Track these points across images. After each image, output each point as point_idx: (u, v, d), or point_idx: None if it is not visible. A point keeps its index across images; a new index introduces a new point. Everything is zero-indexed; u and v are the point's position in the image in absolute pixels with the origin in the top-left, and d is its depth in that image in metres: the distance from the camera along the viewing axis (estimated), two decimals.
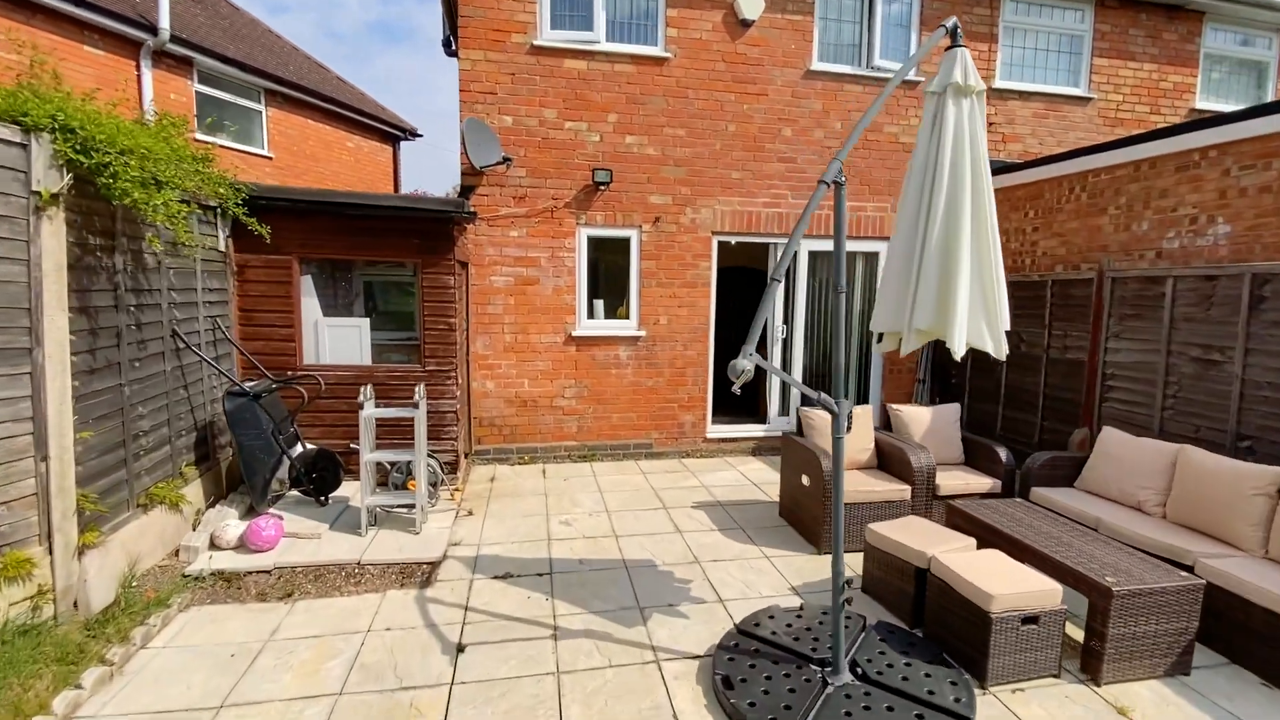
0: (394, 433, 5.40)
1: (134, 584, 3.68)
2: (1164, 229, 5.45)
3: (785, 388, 7.37)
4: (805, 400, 7.51)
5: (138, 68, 9.31)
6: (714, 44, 6.67)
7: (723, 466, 6.71)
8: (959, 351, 2.94)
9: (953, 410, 5.29)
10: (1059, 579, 3.23)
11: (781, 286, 7.15)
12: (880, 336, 3.40)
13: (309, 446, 5.02)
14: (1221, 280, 4.60)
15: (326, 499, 4.93)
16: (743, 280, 8.89)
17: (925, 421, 5.17)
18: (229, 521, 4.26)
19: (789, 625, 3.40)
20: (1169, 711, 2.89)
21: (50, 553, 3.17)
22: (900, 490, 4.56)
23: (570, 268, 6.62)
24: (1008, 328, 3.05)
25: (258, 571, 4.00)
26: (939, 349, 7.44)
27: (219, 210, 4.90)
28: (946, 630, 3.27)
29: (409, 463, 4.93)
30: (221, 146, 10.36)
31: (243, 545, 4.16)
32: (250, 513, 4.66)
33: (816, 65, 6.94)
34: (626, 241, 6.77)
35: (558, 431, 6.78)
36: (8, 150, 2.96)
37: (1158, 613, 3.05)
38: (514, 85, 6.33)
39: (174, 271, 4.30)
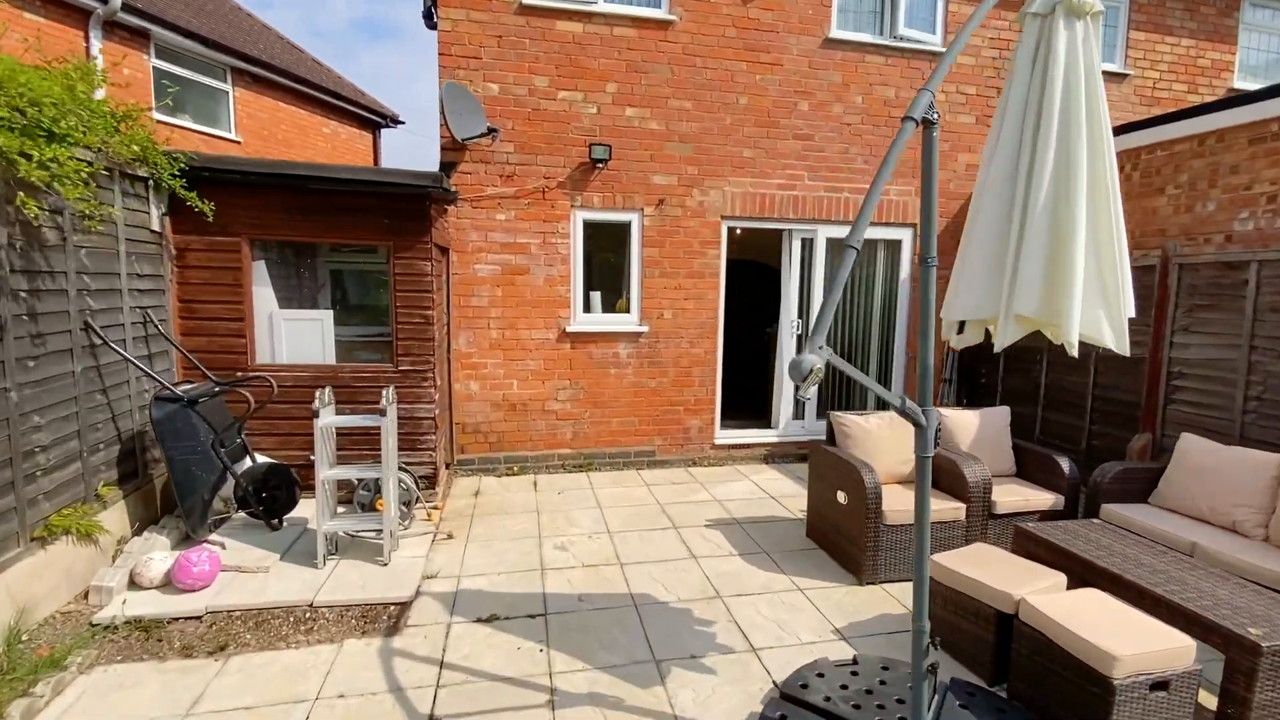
0: (360, 443, 4.67)
1: (24, 640, 2.94)
2: (1235, 209, 4.85)
3: (798, 388, 6.70)
4: (797, 405, 6.86)
5: (86, 38, 8.49)
6: (724, 6, 5.99)
7: (734, 476, 6.04)
8: (1072, 345, 2.29)
9: (1002, 415, 4.65)
10: (1183, 628, 2.58)
11: (795, 280, 6.52)
12: (961, 326, 2.73)
13: (259, 460, 4.28)
14: None
15: (280, 522, 4.20)
16: (751, 274, 8.23)
17: (972, 428, 4.53)
18: (155, 554, 3.52)
19: (844, 687, 2.73)
20: None
21: None
22: (954, 509, 3.91)
23: (564, 255, 5.92)
24: (1132, 314, 2.39)
25: (185, 617, 3.26)
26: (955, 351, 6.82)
27: (151, 182, 4.16)
28: (1044, 693, 2.62)
29: (377, 479, 4.21)
30: (182, 128, 9.55)
31: (170, 583, 3.43)
32: (186, 541, 3.92)
33: (835, 33, 6.28)
34: (627, 226, 6.08)
35: (550, 438, 6.08)
36: None
37: None
38: (500, 49, 5.62)
39: (86, 252, 3.55)
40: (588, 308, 6.09)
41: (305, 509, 4.40)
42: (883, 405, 6.90)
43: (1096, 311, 2.36)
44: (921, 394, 2.29)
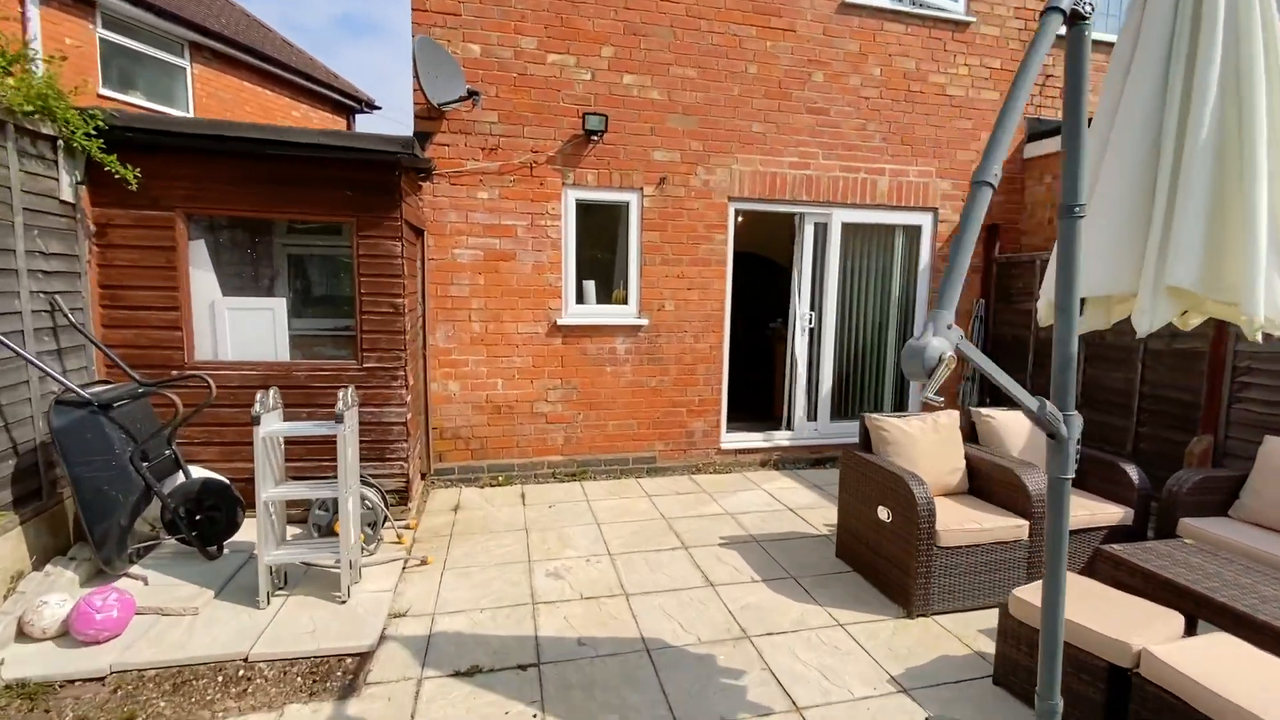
0: (318, 453, 4.01)
1: None
2: None
3: (810, 385, 6.15)
4: (810, 405, 6.30)
5: (22, 2, 7.68)
6: None
7: (744, 485, 5.45)
8: (1256, 326, 1.72)
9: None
10: None
11: (808, 269, 5.93)
12: (1083, 305, 2.15)
13: (195, 475, 3.60)
14: None
15: (219, 549, 3.53)
16: (750, 267, 7.66)
17: (1023, 430, 3.99)
18: (52, 596, 2.83)
19: None
20: None
21: None
22: (1015, 526, 3.35)
23: (555, 239, 5.29)
24: None
25: (84, 679, 2.59)
26: (993, 339, 6.32)
27: (61, 144, 3.46)
28: None
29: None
30: (133, 105, 8.75)
31: (69, 633, 2.75)
32: (100, 576, 3.24)
33: None
34: (624, 208, 5.46)
35: (540, 444, 5.44)
36: None
37: None
38: (482, 5, 4.97)
39: None
40: (581, 298, 5.46)
41: (252, 531, 3.72)
42: (899, 404, 6.37)
43: None
44: (1060, 393, 1.71)
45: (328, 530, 3.62)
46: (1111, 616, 2.43)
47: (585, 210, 5.43)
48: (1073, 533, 3.52)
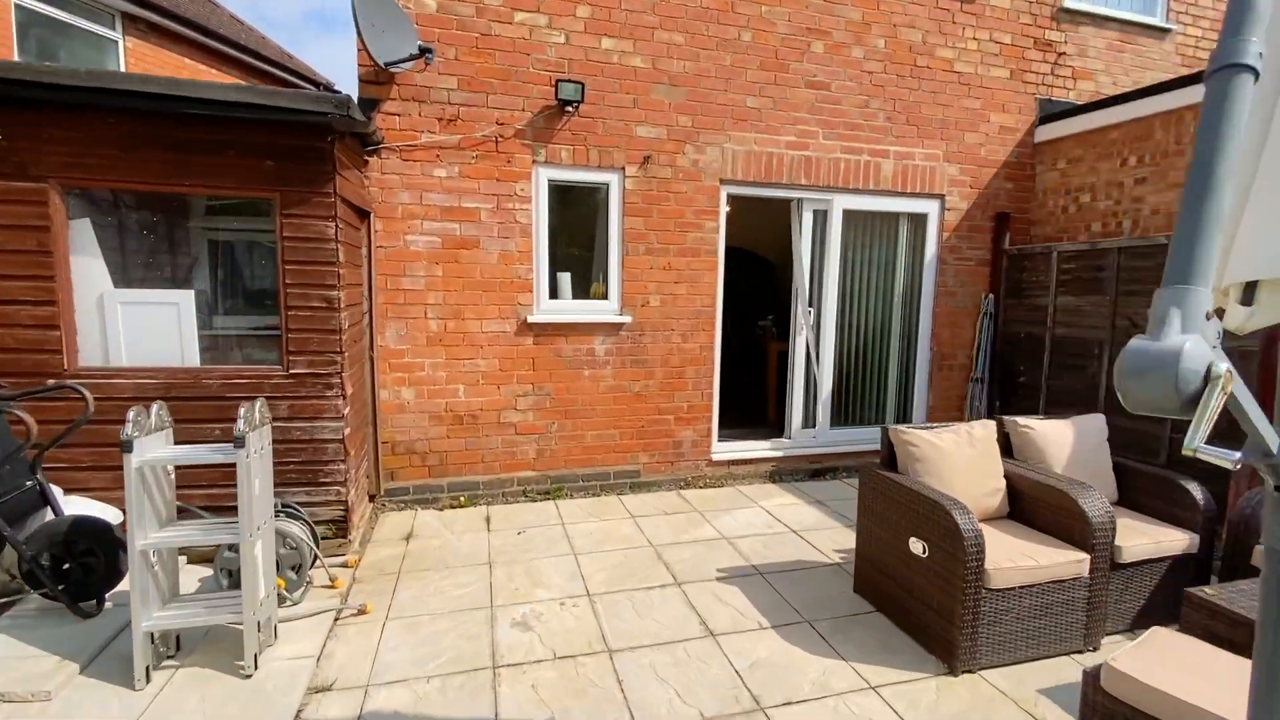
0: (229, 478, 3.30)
1: None
2: None
3: (809, 389, 5.59)
4: (807, 411, 5.75)
5: None
6: None
7: (739, 501, 4.86)
8: None
9: (1097, 426, 3.59)
10: None
11: (807, 260, 5.34)
12: (1247, 293, 1.58)
13: (67, 512, 2.88)
14: None
15: (99, 603, 2.82)
16: (738, 263, 7.09)
17: (1066, 443, 3.46)
18: None
19: None
20: None
21: None
22: (1074, 562, 2.81)
23: (524, 225, 4.64)
24: None
25: None
26: (1003, 336, 5.84)
27: None
28: None
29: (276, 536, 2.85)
30: None
31: None
32: None
33: None
34: (604, 190, 4.83)
35: (509, 459, 4.78)
36: None
37: None
38: None
39: None
40: (555, 293, 4.82)
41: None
42: (902, 410, 5.84)
43: None
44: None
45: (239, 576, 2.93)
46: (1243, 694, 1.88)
47: (559, 192, 4.79)
48: (1135, 565, 3.01)
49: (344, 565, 3.47)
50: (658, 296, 4.97)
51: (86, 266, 3.29)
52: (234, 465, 2.43)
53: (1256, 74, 0.80)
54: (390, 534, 4.10)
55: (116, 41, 8.84)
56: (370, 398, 4.35)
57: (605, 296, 4.91)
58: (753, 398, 7.10)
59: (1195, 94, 4.68)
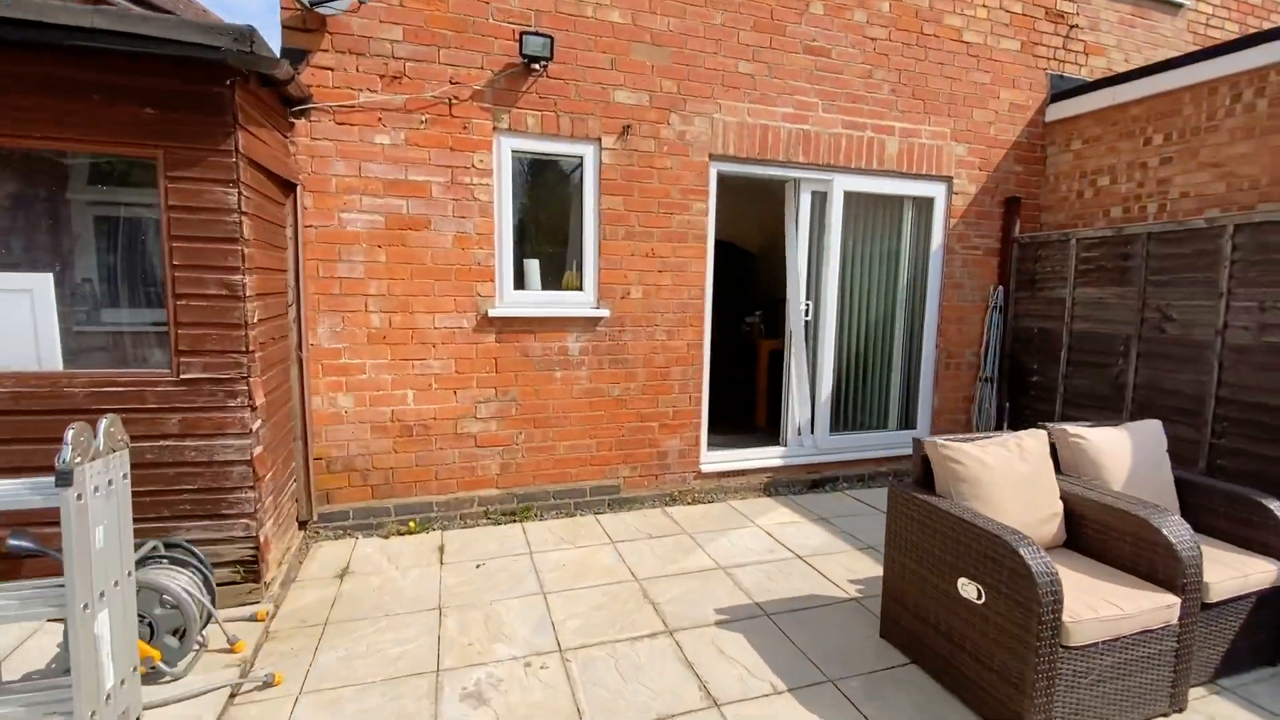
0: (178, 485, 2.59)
1: None
2: None
3: (810, 391, 5.03)
4: (791, 415, 5.21)
5: None
6: None
7: (733, 520, 4.28)
8: None
9: (1155, 434, 3.08)
10: None
11: (804, 248, 4.70)
12: None
13: None
14: None
15: None
16: (721, 255, 6.51)
17: (1124, 455, 2.94)
18: None
19: None
20: None
21: None
22: (1164, 606, 2.27)
23: (484, 203, 3.98)
24: None
25: None
26: (1013, 332, 5.37)
27: None
28: None
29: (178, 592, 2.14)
30: None
31: None
32: None
33: None
34: (577, 164, 4.20)
35: (467, 475, 4.12)
36: None
37: None
38: None
39: None
40: (521, 282, 4.17)
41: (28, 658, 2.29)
42: (906, 415, 5.32)
43: None
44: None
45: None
46: None
47: (526, 166, 4.14)
48: (1221, 604, 2.49)
49: (251, 619, 2.77)
50: (639, 287, 4.35)
51: None
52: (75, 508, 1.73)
53: None
54: (321, 570, 3.40)
55: None
56: (299, 406, 3.65)
57: (580, 287, 4.27)
58: (741, 401, 6.53)
59: (1229, 64, 4.24)
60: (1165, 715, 2.35)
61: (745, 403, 6.53)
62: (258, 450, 2.83)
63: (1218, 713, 2.38)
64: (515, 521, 4.13)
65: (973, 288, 5.38)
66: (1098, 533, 2.63)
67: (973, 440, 2.73)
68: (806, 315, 4.95)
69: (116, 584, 1.93)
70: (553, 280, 4.28)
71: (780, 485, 4.91)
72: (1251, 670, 2.64)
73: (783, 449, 4.98)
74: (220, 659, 2.51)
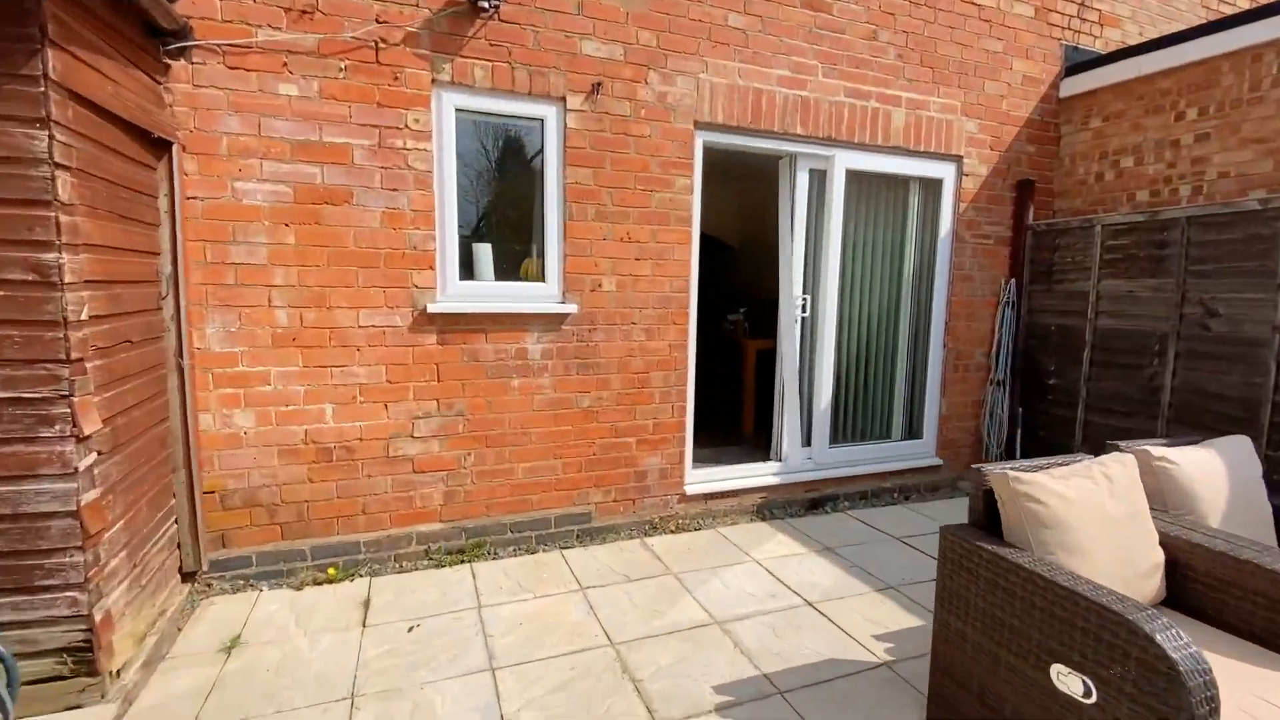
0: None
1: None
2: None
3: (804, 398, 4.41)
4: (786, 425, 4.61)
5: None
6: None
7: (724, 552, 3.62)
8: None
9: (1245, 454, 2.52)
10: None
11: (800, 233, 4.07)
12: None
13: None
14: None
15: None
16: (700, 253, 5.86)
17: (1218, 483, 2.36)
18: None
19: None
20: None
21: None
22: None
23: (422, 173, 3.23)
24: None
25: None
26: (1027, 329, 4.84)
27: None
28: None
29: None
30: None
31: None
32: None
33: None
34: (537, 129, 3.48)
35: (404, 507, 3.37)
36: None
37: None
38: None
39: None
40: (469, 271, 3.44)
41: None
42: (911, 423, 4.75)
43: None
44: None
45: None
46: None
47: (475, 129, 3.41)
48: None
49: None
50: (613, 278, 3.66)
51: None
52: None
53: None
54: (206, 640, 2.63)
55: None
56: (181, 428, 2.85)
57: (541, 277, 3.56)
58: (726, 408, 5.89)
59: (1277, 27, 3.76)
60: None
61: (730, 410, 5.89)
62: (90, 496, 2.05)
63: None
64: (463, 562, 3.40)
65: (983, 280, 4.84)
66: (1211, 590, 2.03)
67: (1046, 469, 2.12)
68: (803, 312, 4.33)
69: None
70: (509, 269, 3.56)
71: (775, 507, 4.28)
72: None
73: (777, 464, 4.35)
74: None
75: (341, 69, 3.05)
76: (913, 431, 4.84)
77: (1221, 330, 3.72)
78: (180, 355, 2.84)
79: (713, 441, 5.03)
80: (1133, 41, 5.13)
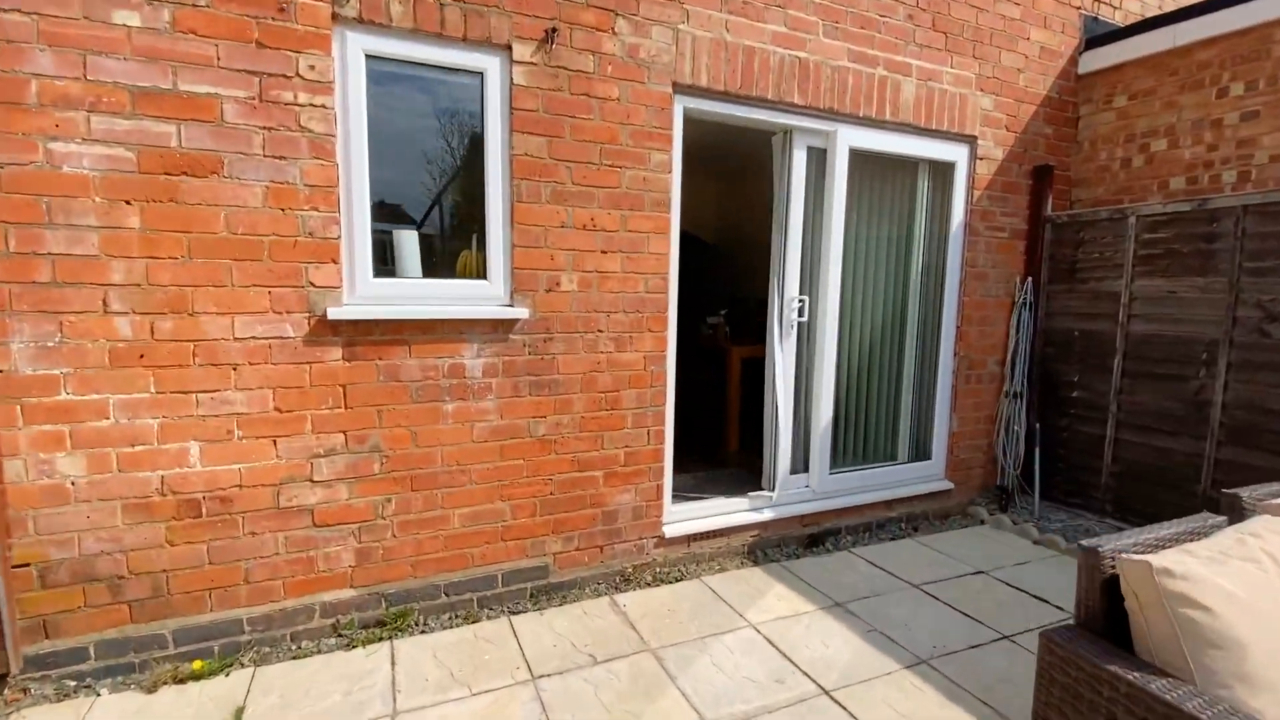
0: None
1: None
2: None
3: (800, 417, 3.76)
4: (780, 449, 3.98)
5: None
6: None
7: (713, 613, 2.94)
8: None
9: None
10: None
11: (798, 223, 3.48)
12: None
13: None
14: None
15: None
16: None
17: None
18: None
19: None
20: None
21: None
22: None
23: (321, 135, 2.47)
24: None
25: None
26: (1045, 334, 4.29)
27: None
28: None
29: None
30: None
31: None
32: None
33: None
34: (475, 85, 2.75)
35: (301, 572, 2.60)
36: None
37: None
38: None
39: None
40: (386, 262, 2.69)
41: None
42: (919, 445, 4.17)
43: None
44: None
45: None
46: None
47: (396, 84, 2.65)
48: None
49: None
50: (574, 274, 2.95)
51: None
52: None
53: None
54: None
55: None
56: None
57: (483, 274, 2.83)
58: (706, 423, 5.22)
59: None
60: None
61: (713, 426, 5.22)
62: None
63: None
64: (383, 639, 2.65)
65: (997, 279, 4.27)
66: None
67: (1177, 542, 1.49)
68: (800, 316, 3.68)
69: None
70: (441, 263, 2.82)
71: (769, 546, 3.63)
72: None
73: (770, 495, 3.69)
74: None
75: None
76: (920, 452, 4.24)
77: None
78: None
79: (693, 466, 4.36)
80: (1153, 13, 4.62)
